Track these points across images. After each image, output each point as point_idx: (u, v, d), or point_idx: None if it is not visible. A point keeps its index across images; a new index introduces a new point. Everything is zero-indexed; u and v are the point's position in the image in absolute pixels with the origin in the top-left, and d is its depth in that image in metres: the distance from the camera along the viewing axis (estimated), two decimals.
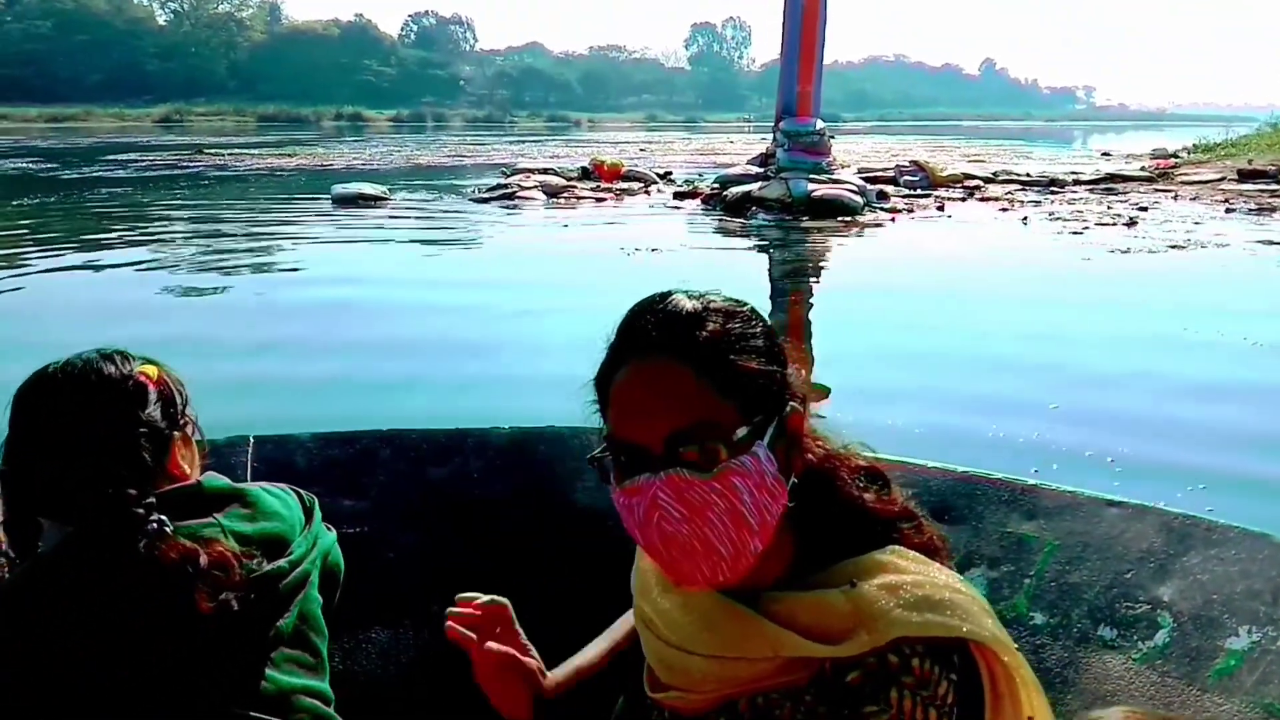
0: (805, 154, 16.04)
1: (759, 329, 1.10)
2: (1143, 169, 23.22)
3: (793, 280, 10.32)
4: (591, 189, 18.78)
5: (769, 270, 11.09)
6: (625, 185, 19.68)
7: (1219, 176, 20.94)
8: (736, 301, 1.12)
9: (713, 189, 16.77)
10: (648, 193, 18.98)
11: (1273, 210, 15.42)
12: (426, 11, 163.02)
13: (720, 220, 14.73)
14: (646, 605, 1.19)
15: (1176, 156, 29.43)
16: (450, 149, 38.97)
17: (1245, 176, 20.25)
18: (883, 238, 13.21)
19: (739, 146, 45.37)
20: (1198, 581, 1.77)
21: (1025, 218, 14.28)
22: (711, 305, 1.08)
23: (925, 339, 7.35)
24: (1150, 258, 10.90)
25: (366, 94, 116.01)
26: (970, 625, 1.02)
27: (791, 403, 1.10)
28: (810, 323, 8.44)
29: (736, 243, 13.04)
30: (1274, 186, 18.85)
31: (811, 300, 9.36)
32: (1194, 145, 31.78)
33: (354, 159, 31.06)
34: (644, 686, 1.19)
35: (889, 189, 17.32)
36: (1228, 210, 15.56)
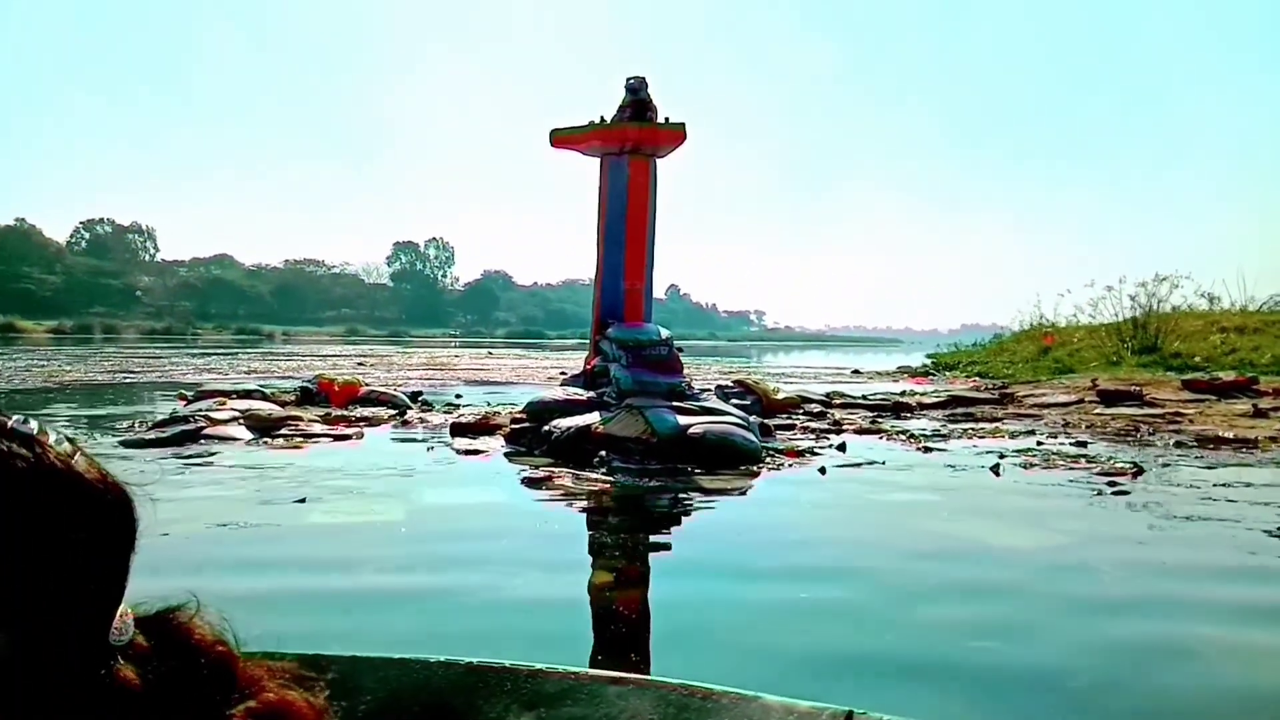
0: (654, 372, 10.96)
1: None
2: (984, 390, 20.17)
3: None
4: (321, 418, 12.73)
5: None
6: (369, 412, 13.74)
7: (1075, 399, 18.07)
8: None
9: (517, 419, 11.20)
10: (406, 422, 13.18)
11: (1218, 444, 12.05)
12: (101, 219, 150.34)
13: (553, 472, 8.94)
14: None
15: (928, 373, 31.80)
16: (114, 363, 31.35)
17: (1109, 399, 17.36)
18: (856, 511, 8.14)
19: (468, 360, 40.76)
20: None
21: (997, 465, 9.71)
22: None
23: None
24: None
25: (24, 304, 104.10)
26: None
27: None
28: None
29: (610, 529, 7.50)
30: (1148, 410, 16.10)
31: None
32: (931, 360, 36.27)
33: None
34: None
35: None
36: (1176, 445, 12.08)
